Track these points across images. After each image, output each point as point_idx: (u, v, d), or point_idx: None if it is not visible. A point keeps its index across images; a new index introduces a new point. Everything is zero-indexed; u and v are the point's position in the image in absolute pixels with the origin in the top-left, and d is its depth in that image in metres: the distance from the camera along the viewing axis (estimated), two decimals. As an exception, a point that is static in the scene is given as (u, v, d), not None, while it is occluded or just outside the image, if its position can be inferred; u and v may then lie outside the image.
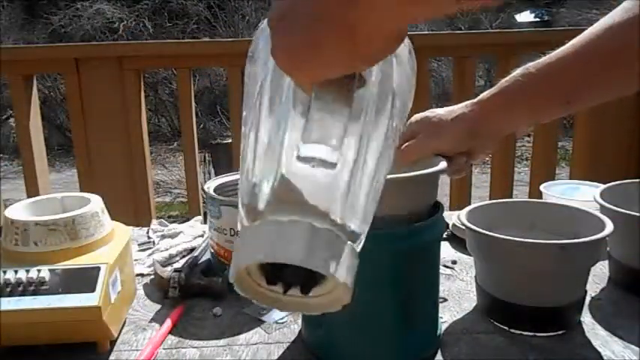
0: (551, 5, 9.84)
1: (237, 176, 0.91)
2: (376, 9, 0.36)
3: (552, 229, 0.75)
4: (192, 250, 0.94)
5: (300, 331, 0.71)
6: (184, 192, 3.22)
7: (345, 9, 0.36)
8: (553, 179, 1.92)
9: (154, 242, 0.99)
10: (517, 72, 0.69)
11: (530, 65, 0.68)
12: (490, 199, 1.92)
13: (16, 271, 0.65)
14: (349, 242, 0.41)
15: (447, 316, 0.74)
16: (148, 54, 2.09)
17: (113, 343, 0.69)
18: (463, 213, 0.74)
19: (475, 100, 0.71)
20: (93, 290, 0.64)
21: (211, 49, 2.21)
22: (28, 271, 0.65)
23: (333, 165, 0.41)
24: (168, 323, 0.72)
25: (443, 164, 0.64)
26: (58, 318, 0.63)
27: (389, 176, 0.50)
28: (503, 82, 0.70)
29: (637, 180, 0.86)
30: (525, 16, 10.20)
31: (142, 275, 0.87)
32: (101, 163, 2.01)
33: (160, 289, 0.82)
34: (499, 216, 0.77)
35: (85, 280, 0.65)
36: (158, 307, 0.78)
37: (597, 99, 0.69)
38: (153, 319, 0.75)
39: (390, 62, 0.47)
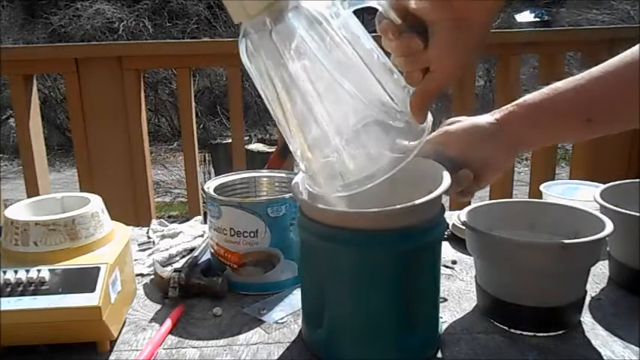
0: (551, 5, 9.84)
1: (237, 176, 0.91)
2: None
3: (552, 229, 0.75)
4: (192, 250, 0.94)
5: (300, 331, 0.71)
6: (184, 192, 3.22)
7: None
8: (553, 179, 1.92)
9: (153, 242, 0.99)
10: (545, 87, 0.67)
11: (559, 82, 0.66)
12: (490, 199, 1.92)
13: (16, 271, 0.65)
14: None
15: (447, 316, 0.74)
16: (148, 54, 2.09)
17: (113, 343, 0.69)
18: (463, 213, 0.74)
19: (501, 108, 0.70)
20: (93, 290, 0.64)
21: (211, 49, 2.21)
22: (28, 271, 0.65)
23: None
24: (168, 323, 0.72)
25: (448, 179, 0.64)
26: (58, 318, 0.63)
27: (402, 205, 0.58)
28: (529, 95, 0.68)
29: (637, 180, 0.86)
30: (525, 16, 10.20)
31: (142, 275, 0.87)
32: (101, 163, 2.01)
33: (160, 289, 0.82)
34: (499, 216, 0.77)
35: (85, 280, 0.65)
36: (158, 307, 0.78)
37: (620, 121, 0.66)
38: (153, 319, 0.75)
39: None
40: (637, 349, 0.66)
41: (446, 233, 0.98)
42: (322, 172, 0.60)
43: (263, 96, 0.57)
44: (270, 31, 0.52)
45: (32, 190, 1.97)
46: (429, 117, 0.59)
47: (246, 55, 0.54)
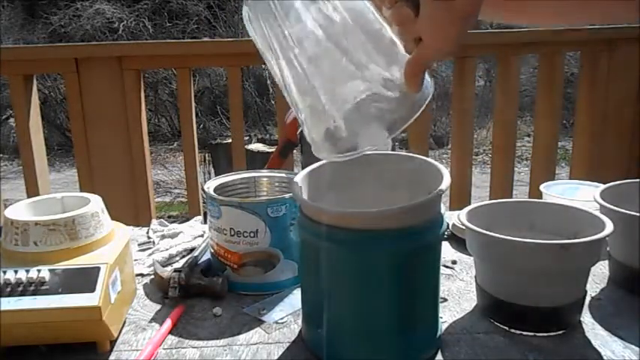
0: (551, 5, 9.81)
1: (237, 176, 0.91)
2: None
3: (552, 229, 0.75)
4: (192, 250, 0.94)
5: (300, 331, 0.71)
6: (184, 192, 3.22)
7: None
8: (553, 179, 1.92)
9: (153, 242, 0.99)
10: None
11: None
12: (490, 199, 1.93)
13: (16, 271, 0.65)
14: None
15: (447, 316, 0.74)
16: (148, 54, 2.09)
17: (113, 343, 0.69)
18: (463, 213, 0.74)
19: None
20: (93, 290, 0.64)
21: (211, 49, 2.21)
22: (28, 271, 0.65)
23: None
24: (168, 323, 0.72)
25: (447, 179, 0.64)
26: (58, 318, 0.63)
27: (402, 205, 0.59)
28: None
29: (637, 180, 0.86)
30: (525, 16, 10.16)
31: (142, 275, 0.87)
32: (101, 163, 2.01)
33: (160, 289, 0.82)
34: (499, 216, 0.77)
35: (85, 280, 0.65)
36: (158, 307, 0.78)
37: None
38: (153, 319, 0.75)
39: None
40: (637, 349, 0.66)
41: (446, 233, 0.98)
42: (321, 137, 0.60)
43: (267, 65, 0.58)
44: (269, 1, 0.53)
45: (32, 190, 1.97)
46: (430, 84, 0.59)
47: (249, 24, 0.56)
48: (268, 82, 7.16)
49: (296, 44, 0.54)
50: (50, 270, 0.66)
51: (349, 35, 0.55)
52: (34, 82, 2.00)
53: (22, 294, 0.63)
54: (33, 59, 2.02)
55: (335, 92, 0.56)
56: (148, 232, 1.04)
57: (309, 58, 0.54)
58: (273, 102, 6.90)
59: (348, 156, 0.58)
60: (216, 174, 4.51)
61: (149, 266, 0.89)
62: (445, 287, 0.82)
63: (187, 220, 1.11)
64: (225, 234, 0.80)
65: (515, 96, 2.12)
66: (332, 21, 0.54)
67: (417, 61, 0.56)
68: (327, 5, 0.54)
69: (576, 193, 0.99)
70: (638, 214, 0.74)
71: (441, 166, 0.68)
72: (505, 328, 0.70)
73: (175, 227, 1.05)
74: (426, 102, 0.58)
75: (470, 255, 0.76)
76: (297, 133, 1.13)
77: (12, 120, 6.74)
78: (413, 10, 0.54)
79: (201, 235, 1.00)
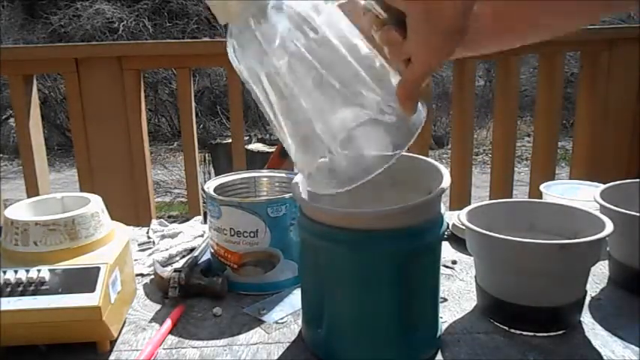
0: (551, 5, 9.80)
1: (237, 176, 0.91)
2: None
3: (552, 229, 0.75)
4: (192, 250, 0.94)
5: (300, 331, 0.71)
6: (184, 192, 3.22)
7: None
8: (553, 179, 1.92)
9: (153, 242, 0.99)
10: None
11: None
12: (490, 199, 1.92)
13: (16, 271, 0.65)
14: None
15: (447, 316, 0.74)
16: (148, 54, 2.09)
17: (113, 343, 0.69)
18: (463, 213, 0.74)
19: None
20: (93, 290, 0.64)
21: (211, 49, 2.21)
22: (28, 271, 0.65)
23: None
24: (168, 323, 0.72)
25: (447, 178, 0.64)
26: (58, 318, 0.63)
27: (402, 205, 0.59)
28: None
29: (637, 180, 0.86)
30: (525, 16, 10.16)
31: (142, 275, 0.87)
32: (101, 163, 2.01)
33: (160, 289, 0.82)
34: (499, 216, 0.77)
35: (85, 280, 0.65)
36: (158, 307, 0.78)
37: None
38: (153, 319, 0.75)
39: None
40: (637, 349, 0.66)
41: (446, 233, 0.98)
42: (316, 171, 0.60)
43: (254, 96, 0.57)
44: (254, 31, 0.52)
45: (32, 190, 1.97)
46: (422, 110, 0.58)
47: (234, 55, 0.54)
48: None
49: (284, 74, 0.53)
50: (50, 270, 0.66)
51: (339, 62, 0.54)
52: (34, 82, 2.00)
53: (22, 294, 0.63)
54: (33, 59, 2.02)
55: (329, 120, 0.55)
56: (148, 232, 1.04)
57: (299, 86, 0.53)
58: (273, 102, 6.89)
59: (349, 187, 0.56)
60: (216, 174, 4.51)
61: (149, 266, 0.89)
62: (445, 287, 0.82)
63: (187, 220, 1.11)
64: (225, 234, 0.80)
65: (515, 96, 2.12)
66: (318, 48, 0.53)
67: (408, 82, 0.56)
68: (313, 32, 0.53)
69: (576, 193, 0.99)
70: (638, 214, 0.74)
71: (441, 166, 0.68)
72: (505, 328, 0.70)
73: (175, 227, 1.05)
74: (421, 126, 0.57)
75: (470, 255, 0.76)
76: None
77: (12, 120, 6.74)
78: (400, 31, 0.54)
79: (201, 235, 1.00)
